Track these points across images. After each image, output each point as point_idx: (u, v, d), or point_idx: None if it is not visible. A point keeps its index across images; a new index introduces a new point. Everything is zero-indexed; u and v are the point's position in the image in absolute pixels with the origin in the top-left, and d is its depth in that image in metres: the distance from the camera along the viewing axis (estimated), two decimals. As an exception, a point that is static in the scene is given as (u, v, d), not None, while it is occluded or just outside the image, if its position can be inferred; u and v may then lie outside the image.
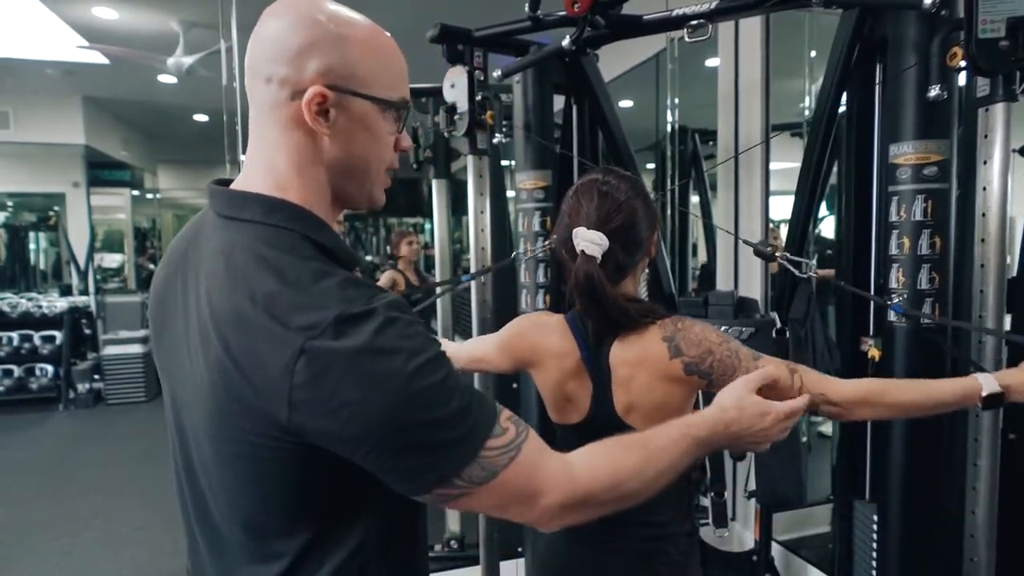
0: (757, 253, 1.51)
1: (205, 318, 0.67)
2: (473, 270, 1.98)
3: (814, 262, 1.45)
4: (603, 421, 1.11)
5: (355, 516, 0.71)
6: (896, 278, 1.46)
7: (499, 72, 1.94)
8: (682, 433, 0.86)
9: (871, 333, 1.62)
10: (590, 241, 1.05)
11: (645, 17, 1.70)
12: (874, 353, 1.54)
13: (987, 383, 0.99)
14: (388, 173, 0.80)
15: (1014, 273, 1.67)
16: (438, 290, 3.04)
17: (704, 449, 0.89)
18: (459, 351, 1.31)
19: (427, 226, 8.35)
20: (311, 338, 0.61)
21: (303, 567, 0.70)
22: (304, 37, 0.69)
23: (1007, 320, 1.28)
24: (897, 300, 1.41)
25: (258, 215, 0.71)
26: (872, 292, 1.60)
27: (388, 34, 0.75)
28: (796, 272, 1.44)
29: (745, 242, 1.61)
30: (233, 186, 0.76)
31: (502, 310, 1.93)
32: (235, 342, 0.64)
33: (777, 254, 1.46)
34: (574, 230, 1.08)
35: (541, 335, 1.18)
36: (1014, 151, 1.28)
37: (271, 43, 0.70)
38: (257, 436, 0.65)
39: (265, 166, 0.74)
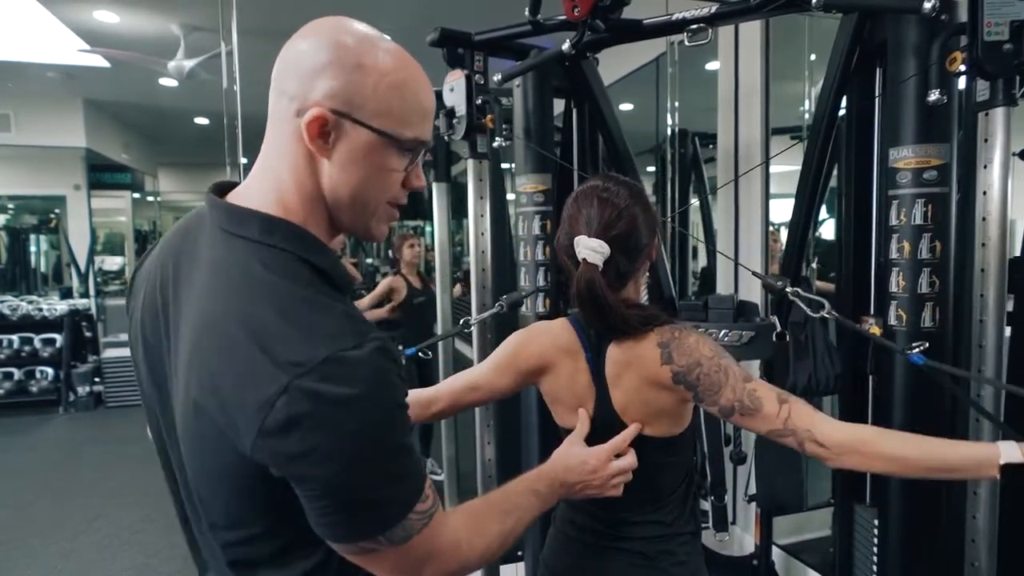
0: (767, 287, 1.48)
1: (198, 331, 0.67)
2: (473, 275, 1.98)
3: (827, 304, 1.35)
4: (605, 423, 1.11)
5: (316, 538, 0.68)
6: (896, 282, 1.45)
7: (499, 76, 1.94)
8: (529, 489, 0.94)
9: (870, 344, 1.61)
10: (591, 249, 1.05)
11: (645, 21, 1.69)
12: (875, 330, 1.49)
13: (1010, 452, 0.84)
14: (391, 208, 0.77)
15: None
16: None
17: (548, 502, 0.97)
18: (440, 391, 1.25)
19: (428, 228, 8.35)
20: (297, 376, 0.60)
21: None
22: (321, 57, 0.68)
23: (1009, 303, 1.24)
24: (918, 350, 1.27)
25: (256, 234, 0.70)
26: (872, 297, 1.59)
27: (419, 71, 0.73)
28: (808, 312, 1.36)
29: (755, 274, 1.60)
30: (236, 192, 0.75)
31: (501, 314, 1.93)
32: (220, 367, 0.64)
33: (788, 289, 1.37)
34: (575, 238, 1.07)
35: (547, 338, 1.18)
36: (1014, 155, 1.28)
37: (293, 58, 0.70)
38: (223, 454, 0.65)
39: (270, 176, 0.73)
